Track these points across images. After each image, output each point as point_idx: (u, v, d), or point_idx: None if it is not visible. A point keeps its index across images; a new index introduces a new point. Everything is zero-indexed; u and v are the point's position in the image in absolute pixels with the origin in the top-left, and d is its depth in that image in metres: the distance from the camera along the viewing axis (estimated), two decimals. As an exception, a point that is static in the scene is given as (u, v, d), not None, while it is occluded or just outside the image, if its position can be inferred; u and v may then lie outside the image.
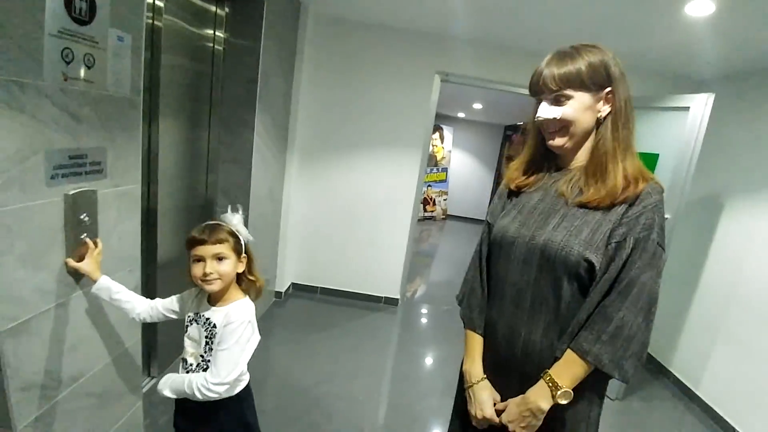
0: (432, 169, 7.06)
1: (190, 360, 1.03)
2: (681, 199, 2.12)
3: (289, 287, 3.19)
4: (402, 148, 2.98)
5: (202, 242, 0.98)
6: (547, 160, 0.96)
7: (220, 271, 0.98)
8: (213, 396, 0.95)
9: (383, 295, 3.27)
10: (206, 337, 1.00)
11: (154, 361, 1.96)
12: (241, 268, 1.05)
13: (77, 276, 1.06)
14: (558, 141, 0.89)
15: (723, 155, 2.51)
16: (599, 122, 0.87)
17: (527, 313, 0.88)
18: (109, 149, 1.11)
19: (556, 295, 0.85)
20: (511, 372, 0.92)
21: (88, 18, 0.97)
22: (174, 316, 1.13)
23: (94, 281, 1.06)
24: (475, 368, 0.96)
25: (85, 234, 1.06)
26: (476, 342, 0.99)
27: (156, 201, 1.76)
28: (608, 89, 0.84)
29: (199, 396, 0.95)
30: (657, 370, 2.80)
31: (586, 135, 0.88)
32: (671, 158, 2.18)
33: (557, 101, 0.86)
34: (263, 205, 2.50)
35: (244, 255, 1.05)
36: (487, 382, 0.95)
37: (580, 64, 0.83)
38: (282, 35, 2.41)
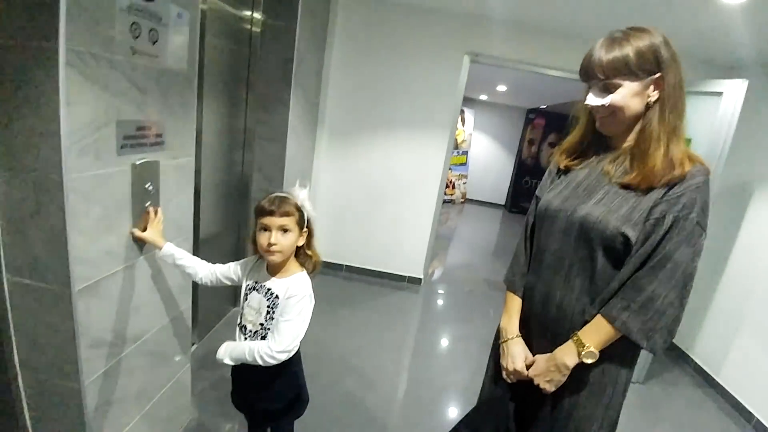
0: (452, 152, 7.01)
1: (250, 327, 1.09)
2: (713, 184, 2.08)
3: (315, 264, 3.27)
4: (429, 129, 2.98)
5: (271, 213, 1.02)
6: (597, 140, 0.99)
7: (283, 244, 1.03)
8: (274, 362, 1.02)
9: (407, 275, 3.33)
10: (268, 306, 1.06)
11: (194, 328, 2.06)
12: (301, 242, 1.09)
13: (141, 243, 1.13)
14: (607, 126, 0.92)
15: (754, 143, 2.43)
16: (648, 106, 0.87)
17: (563, 278, 0.94)
18: (169, 122, 1.16)
19: (591, 264, 0.90)
20: (545, 331, 0.98)
21: (153, -6, 1.01)
22: (229, 283, 1.19)
23: (160, 248, 1.13)
24: (511, 325, 1.04)
25: (149, 202, 1.13)
26: (515, 302, 1.06)
27: (199, 177, 1.82)
28: (657, 75, 0.84)
29: (260, 362, 1.01)
30: (678, 357, 2.80)
31: (635, 119, 0.89)
32: (703, 144, 2.13)
33: (606, 88, 0.87)
34: (295, 181, 2.55)
35: (305, 229, 1.10)
36: (520, 339, 1.02)
37: (628, 51, 0.83)
38: (316, 15, 2.41)
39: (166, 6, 1.05)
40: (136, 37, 0.98)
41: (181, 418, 1.58)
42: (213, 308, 2.32)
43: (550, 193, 1.01)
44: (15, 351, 0.99)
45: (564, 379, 0.91)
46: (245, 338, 1.10)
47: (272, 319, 1.06)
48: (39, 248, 0.91)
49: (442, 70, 2.84)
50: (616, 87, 0.85)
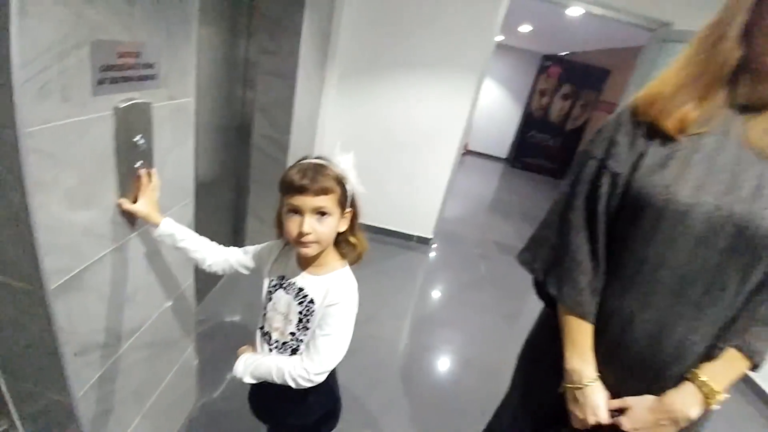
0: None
1: (276, 336, 0.84)
2: None
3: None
4: (456, 73, 2.60)
5: (302, 190, 0.73)
6: (728, 90, 0.66)
7: (320, 232, 0.75)
8: (310, 385, 0.79)
9: (416, 234, 3.12)
10: (300, 313, 0.80)
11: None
12: (343, 227, 0.81)
13: (132, 216, 0.84)
14: None
15: None
16: None
17: (692, 307, 0.67)
18: (164, 47, 0.82)
19: (741, 286, 0.65)
20: (642, 375, 0.72)
21: None
22: (246, 272, 0.92)
23: (156, 225, 0.84)
24: (588, 368, 0.75)
25: (140, 162, 0.82)
26: (587, 332, 0.75)
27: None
28: None
29: (293, 385, 0.78)
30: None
31: None
32: None
33: None
34: (302, 128, 2.21)
35: (348, 209, 0.82)
36: (600, 384, 0.74)
37: None
38: None
39: None
40: None
41: (186, 402, 1.40)
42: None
43: (664, 174, 0.66)
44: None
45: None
46: (270, 349, 0.85)
47: (306, 329, 0.81)
48: (2, 234, 0.62)
49: (476, 3, 2.40)
50: None
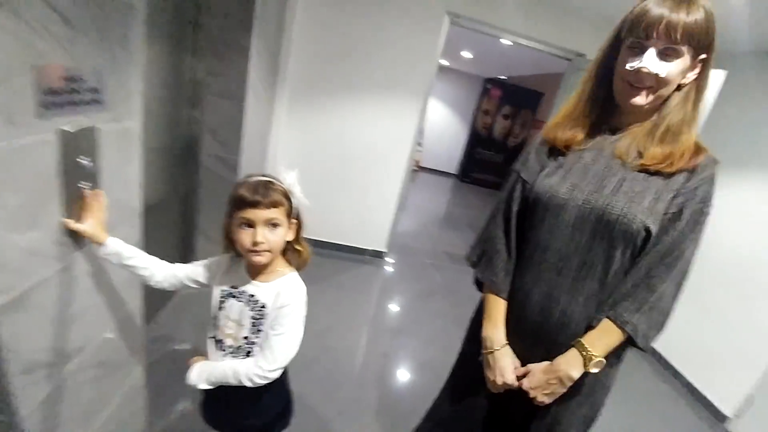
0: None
1: (229, 341, 0.89)
2: None
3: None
4: (402, 95, 2.76)
5: (255, 204, 0.79)
6: (603, 114, 0.86)
7: (272, 241, 0.82)
8: (266, 383, 0.84)
9: (370, 248, 3.20)
10: (252, 317, 0.86)
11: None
12: (290, 236, 0.89)
13: (77, 235, 0.85)
14: (642, 99, 0.78)
15: (715, 132, 2.55)
16: (680, 87, 0.78)
17: (570, 280, 0.83)
18: (108, 71, 0.85)
19: (606, 264, 0.80)
20: (540, 341, 0.88)
21: None
22: (195, 286, 0.96)
23: (101, 244, 0.85)
24: (498, 334, 0.91)
25: (85, 182, 0.84)
26: (499, 307, 0.92)
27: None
28: (703, 56, 0.76)
29: (249, 384, 0.83)
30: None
31: (665, 97, 0.79)
32: None
33: (664, 55, 0.74)
34: (254, 149, 2.24)
35: (294, 220, 0.89)
36: (508, 349, 0.91)
37: (698, 16, 0.71)
38: (279, -56, 2.01)
39: None
40: (58, -59, 0.66)
41: (136, 424, 1.35)
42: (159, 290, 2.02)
43: (551, 179, 0.86)
44: None
45: (564, 390, 0.83)
46: (224, 355, 0.89)
47: (259, 331, 0.86)
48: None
49: (420, 30, 2.60)
50: (678, 56, 0.73)
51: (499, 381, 0.89)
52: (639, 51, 0.76)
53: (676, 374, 2.51)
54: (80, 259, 0.89)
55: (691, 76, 0.77)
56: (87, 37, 0.77)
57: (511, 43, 2.79)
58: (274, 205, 0.81)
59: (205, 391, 0.97)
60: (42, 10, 0.66)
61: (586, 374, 0.81)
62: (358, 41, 2.59)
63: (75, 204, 0.82)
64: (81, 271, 0.90)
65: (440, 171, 7.73)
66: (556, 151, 0.90)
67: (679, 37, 0.72)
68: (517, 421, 0.93)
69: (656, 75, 0.74)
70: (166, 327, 1.93)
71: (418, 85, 2.74)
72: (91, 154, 0.84)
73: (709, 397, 2.30)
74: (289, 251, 0.92)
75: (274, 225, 0.83)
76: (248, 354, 0.88)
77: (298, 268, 0.94)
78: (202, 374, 0.86)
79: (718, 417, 2.22)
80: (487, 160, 7.17)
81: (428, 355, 2.22)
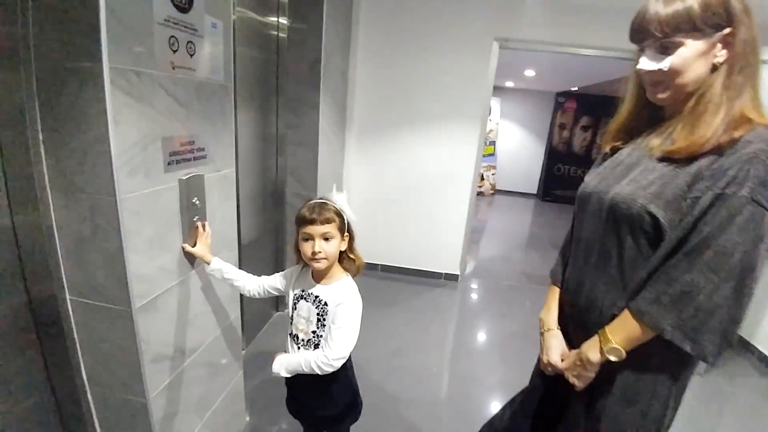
0: (479, 143, 6.84)
1: (302, 336, 1.08)
2: None
3: (350, 265, 3.27)
4: (460, 121, 2.89)
5: (312, 222, 1.00)
6: (650, 116, 0.86)
7: (327, 251, 1.01)
8: (331, 370, 1.00)
9: (443, 271, 3.26)
10: (318, 314, 1.04)
11: (242, 335, 2.09)
12: (343, 247, 1.07)
13: (192, 257, 1.14)
14: (662, 95, 0.78)
15: None
16: (715, 68, 0.73)
17: (594, 266, 0.86)
18: (210, 135, 1.15)
19: (619, 250, 0.81)
20: (577, 324, 0.93)
21: (188, 5, 0.99)
22: (276, 293, 1.18)
23: (208, 263, 1.13)
24: (549, 317, 0.99)
25: (197, 217, 1.13)
26: (553, 293, 1.02)
27: (237, 187, 1.83)
28: (727, 30, 0.71)
29: (318, 371, 1.00)
30: (741, 345, 2.61)
31: (696, 84, 0.75)
32: None
33: (663, 49, 0.74)
34: (328, 185, 2.54)
35: (346, 233, 1.07)
36: (557, 332, 0.96)
37: (692, 2, 0.70)
38: (339, 14, 2.38)
39: (201, 17, 1.04)
40: (175, 51, 0.97)
41: (238, 423, 1.60)
42: (257, 313, 2.35)
43: (589, 176, 0.94)
44: (82, 368, 1.02)
45: (591, 375, 0.83)
46: (298, 347, 1.08)
47: (324, 326, 1.04)
48: (98, 269, 0.92)
49: (470, 58, 2.75)
50: (677, 47, 0.72)
51: (545, 359, 0.95)
52: (640, 53, 0.79)
53: None
54: (194, 275, 1.17)
55: (722, 54, 0.72)
56: (196, 114, 1.08)
57: (571, 55, 2.77)
58: (328, 221, 1.01)
59: (287, 384, 1.17)
60: (167, 99, 0.96)
61: (617, 371, 0.81)
62: (413, 77, 2.83)
63: (190, 233, 1.11)
64: (194, 284, 1.18)
65: (519, 192, 7.50)
66: (608, 154, 0.94)
67: (662, 31, 0.73)
68: (565, 410, 0.97)
69: (659, 70, 0.75)
70: (263, 348, 2.23)
71: (474, 111, 2.85)
72: (200, 196, 1.13)
73: None
74: (345, 260, 1.10)
75: (329, 238, 1.01)
76: (316, 346, 1.06)
77: (354, 274, 1.11)
78: (282, 364, 1.05)
79: None
80: (568, 176, 6.78)
81: (502, 376, 2.17)
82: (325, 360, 0.99)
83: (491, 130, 6.94)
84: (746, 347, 2.58)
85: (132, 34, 0.84)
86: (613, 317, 0.81)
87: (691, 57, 0.73)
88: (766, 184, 0.67)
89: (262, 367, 2.02)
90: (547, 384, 1.01)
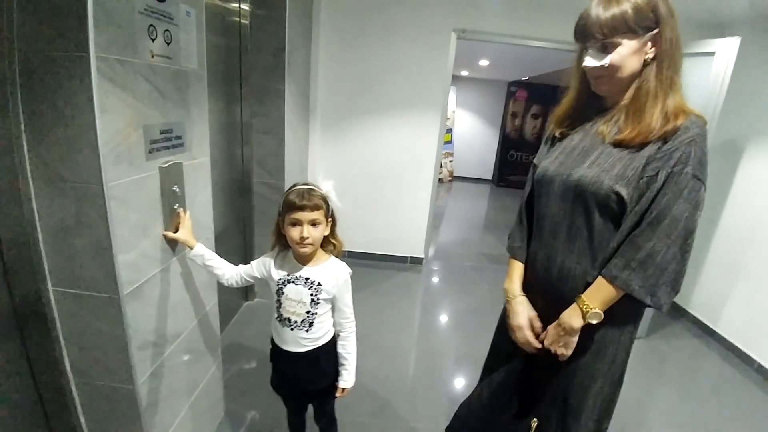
0: (437, 131, 7.04)
1: (295, 318, 1.12)
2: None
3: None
4: (421, 110, 3.00)
5: (302, 208, 1.04)
6: (591, 103, 1.00)
7: (314, 236, 1.07)
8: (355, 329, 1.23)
9: (409, 255, 3.40)
10: (311, 294, 1.10)
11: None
12: (327, 231, 1.13)
13: (173, 243, 1.15)
14: (604, 86, 0.93)
15: (745, 99, 2.53)
16: (646, 63, 0.87)
17: (563, 242, 0.96)
18: (187, 123, 1.16)
19: (589, 225, 0.92)
20: (549, 295, 1.01)
21: (163, -7, 1.00)
22: (252, 281, 1.22)
23: (191, 248, 1.15)
24: (514, 286, 1.09)
25: (177, 204, 1.14)
26: (516, 266, 1.11)
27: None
28: (655, 31, 0.84)
29: (354, 340, 1.22)
30: (676, 311, 2.97)
31: (632, 77, 0.89)
32: (697, 104, 2.19)
33: (604, 48, 0.87)
34: (294, 173, 2.56)
35: (330, 219, 1.13)
36: (524, 298, 1.07)
37: (626, 7, 0.82)
38: (300, 2, 2.37)
39: (176, 5, 1.05)
40: (153, 39, 0.98)
41: (217, 409, 1.63)
42: (227, 303, 2.35)
43: (546, 161, 1.03)
44: (66, 358, 1.02)
45: (575, 341, 0.92)
46: (292, 329, 1.13)
47: (317, 304, 1.11)
48: (84, 257, 0.92)
49: (429, 49, 2.85)
50: (615, 46, 0.85)
51: (514, 322, 1.04)
52: (584, 51, 0.92)
53: (745, 358, 2.42)
54: (175, 262, 1.19)
55: (651, 51, 0.86)
56: (173, 103, 1.09)
57: (523, 46, 2.95)
58: (317, 207, 1.06)
59: (276, 364, 1.22)
60: (147, 87, 0.97)
61: (594, 331, 0.92)
62: (374, 68, 2.90)
63: (172, 220, 1.13)
64: (175, 271, 1.20)
65: (475, 178, 7.82)
66: (557, 138, 1.05)
67: (601, 33, 0.84)
68: (543, 381, 1.06)
69: (601, 67, 0.88)
70: (235, 338, 2.24)
71: (435, 99, 2.97)
72: (179, 184, 1.15)
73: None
74: (327, 243, 1.16)
75: (316, 223, 1.07)
76: (311, 324, 1.12)
77: (336, 256, 1.18)
78: (352, 377, 1.23)
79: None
80: (520, 162, 7.18)
81: (469, 349, 2.35)
82: (354, 333, 1.17)
83: (448, 118, 7.16)
84: (681, 312, 2.95)
85: (115, 23, 0.84)
86: (587, 285, 0.92)
87: (627, 55, 0.86)
88: (702, 163, 0.83)
89: (234, 357, 2.04)
90: (520, 364, 1.10)
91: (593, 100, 0.99)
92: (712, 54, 2.12)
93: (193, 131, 1.21)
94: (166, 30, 1.02)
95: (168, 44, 1.03)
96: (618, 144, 0.90)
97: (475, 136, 7.62)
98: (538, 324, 1.03)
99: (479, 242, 4.43)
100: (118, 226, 0.93)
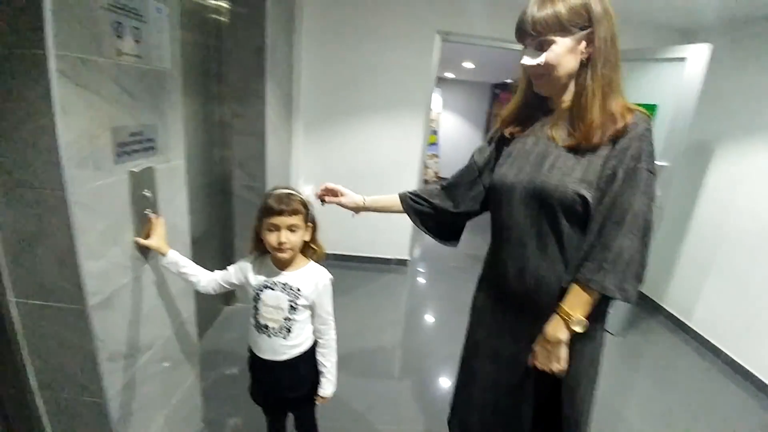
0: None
1: (272, 324, 1.09)
2: (679, 147, 2.23)
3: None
4: (405, 111, 2.99)
5: (281, 213, 1.01)
6: (537, 104, 1.00)
7: (293, 241, 1.04)
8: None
9: (393, 257, 3.38)
10: (289, 300, 1.07)
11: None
12: (307, 237, 1.10)
13: (145, 250, 1.11)
14: (543, 85, 0.94)
15: (715, 103, 2.59)
16: (583, 63, 0.88)
17: (534, 249, 0.95)
18: (158, 125, 1.12)
19: (557, 231, 0.91)
20: (524, 306, 0.99)
21: (131, -11, 0.96)
22: (230, 288, 1.18)
23: (164, 255, 1.10)
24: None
25: (149, 209, 1.10)
26: (391, 196, 1.28)
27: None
28: (589, 30, 0.85)
29: (335, 347, 1.20)
30: (651, 307, 3.04)
31: (570, 76, 0.90)
32: (669, 108, 2.26)
33: (540, 47, 0.88)
34: (277, 175, 2.52)
35: (310, 224, 1.10)
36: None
37: (560, 7, 0.83)
38: (282, 0, 2.33)
39: (144, 1, 1.00)
40: (119, 37, 0.93)
41: (195, 419, 1.58)
42: (207, 309, 2.29)
43: (502, 168, 1.01)
44: (31, 372, 0.96)
45: (566, 352, 0.90)
46: (269, 337, 1.10)
47: (295, 310, 1.08)
48: (48, 267, 0.88)
49: (413, 51, 2.84)
50: (550, 44, 0.86)
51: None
52: (523, 51, 0.93)
53: (717, 351, 2.49)
54: (148, 270, 1.14)
55: (587, 50, 0.87)
56: (144, 103, 1.04)
57: (506, 49, 2.97)
58: (295, 212, 1.03)
59: (255, 374, 1.19)
60: (114, 87, 0.93)
61: (575, 333, 0.89)
62: (358, 68, 2.87)
63: (143, 226, 1.08)
64: (148, 279, 1.15)
65: (461, 179, 7.86)
66: (505, 140, 1.05)
67: (537, 31, 0.85)
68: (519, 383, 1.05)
69: (538, 65, 0.88)
70: (214, 344, 2.19)
71: (419, 101, 2.96)
72: (151, 188, 1.10)
73: (755, 372, 2.26)
74: (307, 249, 1.13)
75: (294, 228, 1.04)
76: (289, 331, 1.09)
77: (317, 261, 1.15)
78: (331, 387, 1.20)
79: (766, 390, 2.18)
80: (505, 164, 7.26)
81: (454, 349, 2.33)
82: (335, 340, 1.14)
83: (433, 120, 7.17)
84: (656, 309, 3.01)
85: (76, 20, 0.80)
86: (561, 290, 0.92)
87: (561, 53, 0.86)
88: (653, 156, 0.86)
89: (214, 364, 1.99)
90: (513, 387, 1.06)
91: (539, 101, 1.00)
92: (683, 59, 2.17)
93: (166, 133, 1.16)
94: (135, 27, 0.97)
95: (137, 42, 0.99)
96: (572, 148, 0.91)
97: (461, 138, 7.65)
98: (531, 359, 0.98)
99: (464, 243, 4.39)
100: (84, 233, 0.88)
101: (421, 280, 3.33)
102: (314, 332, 1.17)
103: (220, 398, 1.77)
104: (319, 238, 1.16)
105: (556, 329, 0.90)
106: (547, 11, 0.84)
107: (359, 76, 2.89)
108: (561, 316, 0.90)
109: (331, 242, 3.40)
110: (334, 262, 3.33)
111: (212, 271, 1.19)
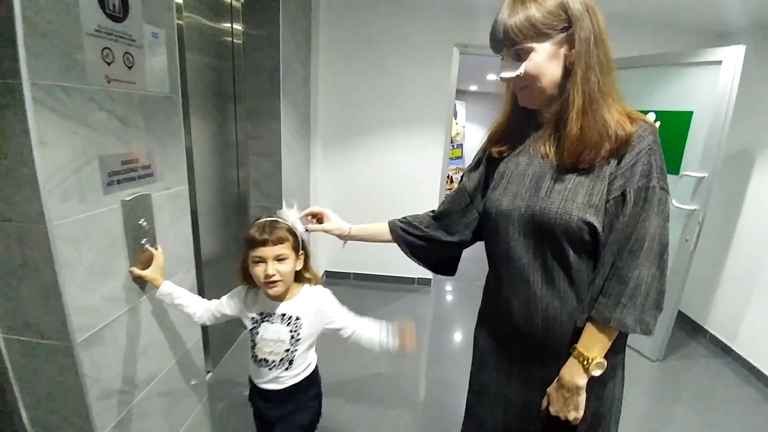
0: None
1: (272, 358, 1.02)
2: (717, 156, 2.04)
3: (322, 275, 3.21)
4: (424, 126, 2.91)
5: (264, 243, 0.94)
6: (526, 118, 0.89)
7: (282, 272, 0.96)
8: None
9: (416, 276, 3.26)
10: (290, 331, 1.00)
11: (207, 357, 1.99)
12: (299, 266, 1.02)
13: (142, 281, 1.06)
14: (528, 98, 0.82)
15: (752, 108, 2.35)
16: (567, 70, 0.77)
17: (541, 287, 0.82)
18: (156, 152, 1.09)
19: (564, 264, 0.79)
20: (534, 348, 0.87)
21: (122, 14, 0.93)
22: (225, 319, 1.11)
23: (157, 287, 1.05)
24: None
25: (145, 239, 1.05)
26: (380, 224, 1.13)
27: (195, 201, 1.75)
28: (569, 31, 0.74)
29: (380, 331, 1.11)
30: (693, 329, 2.76)
31: (556, 85, 0.78)
32: (705, 115, 2.07)
33: (518, 56, 0.77)
34: (294, 195, 2.48)
35: (301, 252, 1.02)
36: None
37: (532, 11, 0.73)
38: (297, 20, 2.34)
39: (138, 26, 0.98)
40: (110, 63, 0.90)
41: (203, 455, 1.51)
42: (223, 333, 2.25)
43: (495, 192, 0.89)
44: (22, 409, 0.92)
45: (584, 398, 0.79)
46: (269, 370, 1.02)
47: (298, 340, 0.99)
48: (31, 303, 0.84)
49: (432, 65, 2.77)
50: (528, 52, 0.75)
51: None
52: (501, 62, 0.81)
53: (762, 377, 2.20)
54: (145, 301, 1.10)
55: (570, 54, 0.75)
56: (139, 130, 1.01)
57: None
58: (280, 241, 0.96)
59: (258, 400, 1.11)
60: (102, 115, 0.89)
61: (593, 378, 0.79)
62: (376, 84, 2.82)
63: (139, 257, 1.04)
64: (146, 311, 1.10)
65: (489, 193, 7.65)
66: (495, 160, 0.94)
67: (511, 39, 0.75)
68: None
69: (518, 77, 0.78)
70: (230, 372, 2.14)
71: (439, 115, 2.87)
72: (148, 217, 1.06)
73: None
74: (301, 279, 1.05)
75: (283, 258, 0.96)
76: (291, 362, 1.01)
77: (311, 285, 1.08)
78: (391, 338, 1.09)
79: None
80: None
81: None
82: (363, 325, 1.08)
83: (458, 134, 7.05)
84: (698, 331, 2.73)
85: (56, 47, 0.77)
86: (575, 330, 0.80)
87: (542, 61, 0.76)
88: (664, 171, 0.76)
89: (230, 391, 1.93)
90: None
91: (526, 114, 0.88)
92: (719, 63, 1.99)
93: (166, 159, 1.13)
94: (127, 53, 0.95)
95: (129, 68, 0.96)
96: (571, 167, 0.78)
97: (487, 149, 7.47)
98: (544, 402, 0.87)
99: (492, 260, 4.24)
100: (69, 267, 0.84)
101: (446, 300, 3.18)
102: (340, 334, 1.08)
103: (236, 427, 1.70)
104: (312, 266, 1.08)
105: (574, 375, 0.79)
106: (519, 17, 0.74)
107: (377, 93, 2.84)
108: (577, 360, 0.79)
109: (351, 262, 3.36)
110: (354, 281, 3.25)
111: (227, 291, 1.13)
